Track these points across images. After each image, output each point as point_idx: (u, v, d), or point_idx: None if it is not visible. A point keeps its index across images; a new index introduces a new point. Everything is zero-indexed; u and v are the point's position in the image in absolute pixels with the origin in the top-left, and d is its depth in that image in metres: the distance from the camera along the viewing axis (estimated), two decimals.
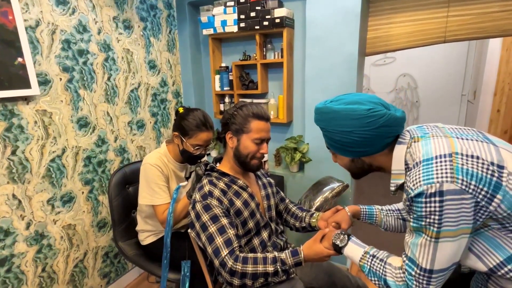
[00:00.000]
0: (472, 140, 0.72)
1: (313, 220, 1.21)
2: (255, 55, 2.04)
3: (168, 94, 2.24)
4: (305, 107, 1.92)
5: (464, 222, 0.65)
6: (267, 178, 1.30)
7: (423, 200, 0.66)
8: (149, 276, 2.07)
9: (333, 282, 1.22)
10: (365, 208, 1.12)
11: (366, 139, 0.78)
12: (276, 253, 0.98)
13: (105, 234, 1.83)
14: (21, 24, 1.31)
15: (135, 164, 1.64)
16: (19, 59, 1.31)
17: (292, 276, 1.13)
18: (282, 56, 1.93)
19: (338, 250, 0.91)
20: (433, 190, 0.65)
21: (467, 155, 0.67)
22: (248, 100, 2.12)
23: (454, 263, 0.70)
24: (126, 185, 1.57)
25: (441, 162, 0.67)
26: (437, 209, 0.65)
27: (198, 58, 2.36)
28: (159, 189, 1.33)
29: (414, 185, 0.69)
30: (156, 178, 1.32)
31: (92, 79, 1.68)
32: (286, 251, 0.98)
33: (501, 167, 0.66)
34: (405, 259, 0.76)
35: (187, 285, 1.30)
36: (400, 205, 1.11)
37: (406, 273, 0.74)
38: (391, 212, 1.10)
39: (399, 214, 1.09)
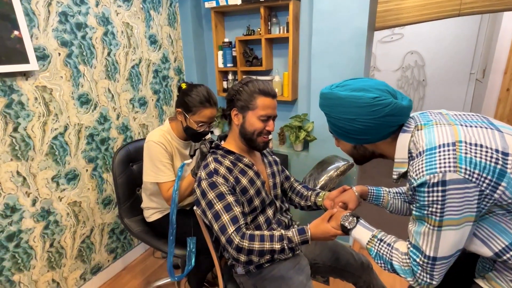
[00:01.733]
0: (476, 127, 0.70)
1: (319, 199, 1.21)
2: (259, 29, 1.96)
3: (169, 71, 2.18)
4: (311, 85, 1.87)
5: (468, 210, 0.65)
6: (273, 156, 1.29)
7: (426, 189, 0.66)
8: (155, 251, 2.12)
9: (337, 259, 1.24)
10: (373, 189, 1.11)
11: (369, 127, 0.77)
12: (283, 231, 0.98)
13: (111, 211, 1.85)
14: None
15: (139, 142, 1.62)
16: (15, 32, 1.26)
17: (297, 252, 1.14)
18: (287, 31, 1.86)
19: (346, 231, 0.91)
20: (435, 180, 0.65)
21: (470, 144, 0.66)
22: (253, 77, 2.06)
23: (458, 250, 0.70)
24: (130, 163, 1.56)
25: (444, 151, 0.66)
26: (440, 198, 0.65)
27: (200, 33, 2.28)
28: (163, 166, 1.32)
29: (417, 175, 0.68)
30: (160, 156, 1.31)
31: (91, 54, 1.63)
32: (293, 229, 0.98)
33: (505, 154, 0.65)
34: (409, 246, 0.76)
35: (193, 260, 1.32)
36: (406, 189, 1.10)
37: (411, 259, 0.75)
38: (398, 195, 1.09)
39: (406, 197, 1.08)
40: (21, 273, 1.45)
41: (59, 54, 1.48)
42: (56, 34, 1.45)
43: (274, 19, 1.91)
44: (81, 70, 1.59)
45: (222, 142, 1.20)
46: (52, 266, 1.59)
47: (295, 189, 1.32)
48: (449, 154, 0.66)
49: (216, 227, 0.99)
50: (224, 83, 2.24)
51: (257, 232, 0.98)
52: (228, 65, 2.13)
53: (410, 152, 0.76)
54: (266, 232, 0.98)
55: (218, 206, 0.99)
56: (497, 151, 0.65)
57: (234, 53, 2.08)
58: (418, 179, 0.68)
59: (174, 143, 1.39)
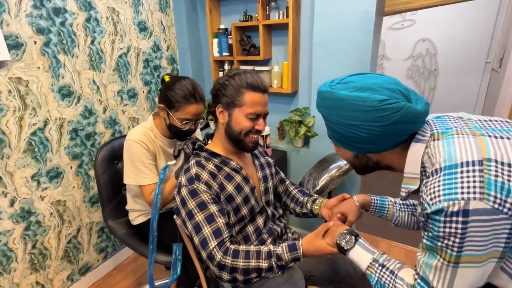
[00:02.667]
0: (509, 138, 0.57)
1: (316, 207, 1.08)
2: (257, 15, 1.80)
3: (162, 60, 2.05)
4: (312, 76, 1.72)
5: (494, 246, 0.53)
6: (266, 158, 1.16)
7: (442, 219, 0.54)
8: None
9: (335, 270, 1.12)
10: (377, 200, 0.97)
11: (374, 136, 0.63)
12: (271, 247, 0.86)
13: (99, 210, 1.76)
14: None
15: (124, 137, 1.50)
16: None
17: (290, 265, 1.03)
18: (287, 16, 1.69)
19: (343, 251, 0.78)
20: (455, 209, 0.52)
21: (502, 163, 0.53)
22: (250, 68, 1.92)
23: None
24: (114, 161, 1.45)
25: (468, 172, 0.53)
26: (459, 231, 0.53)
27: (195, 19, 2.12)
28: (144, 167, 1.20)
29: (431, 199, 0.56)
30: (141, 156, 1.19)
31: (72, 42, 1.50)
32: (283, 244, 0.86)
33: None
34: (416, 277, 0.64)
35: (178, 268, 1.22)
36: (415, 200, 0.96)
37: None
38: (405, 206, 0.95)
39: (414, 210, 0.94)
40: (0, 276, 1.38)
41: (35, 42, 1.35)
42: (31, 20, 1.32)
43: (273, 3, 1.74)
44: (61, 60, 1.46)
45: (209, 142, 1.08)
46: (36, 268, 1.51)
47: (290, 193, 1.19)
48: (474, 177, 0.52)
49: (196, 240, 0.87)
50: (220, 73, 2.09)
51: (242, 247, 0.86)
52: (224, 54, 1.98)
53: (423, 167, 0.63)
54: (252, 248, 0.86)
55: (199, 217, 0.88)
56: None
57: (230, 41, 1.93)
58: (432, 204, 0.55)
59: (158, 141, 1.27)
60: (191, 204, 0.89)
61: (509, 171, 0.52)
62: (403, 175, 0.68)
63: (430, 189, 0.57)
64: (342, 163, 1.59)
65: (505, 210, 0.50)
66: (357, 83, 0.65)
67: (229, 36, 1.92)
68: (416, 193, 0.68)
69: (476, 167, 0.53)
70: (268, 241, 1.02)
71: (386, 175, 3.04)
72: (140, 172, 1.20)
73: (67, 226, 1.61)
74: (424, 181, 0.60)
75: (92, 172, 1.69)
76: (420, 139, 0.64)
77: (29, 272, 1.48)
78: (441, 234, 0.55)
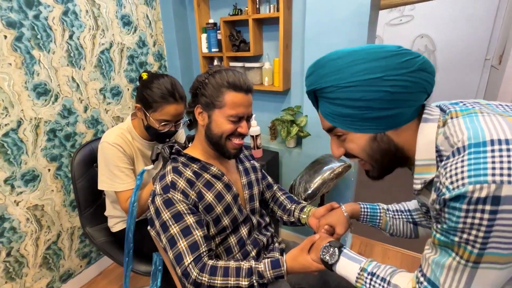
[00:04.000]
0: None
1: (304, 216, 1.00)
2: (247, 8, 1.70)
3: (148, 56, 1.95)
4: (305, 73, 1.63)
5: None
6: (251, 162, 1.07)
7: (464, 207, 0.45)
8: None
9: (326, 282, 1.04)
10: (367, 208, 0.89)
11: (402, 88, 0.52)
12: (253, 263, 0.78)
13: None
14: None
15: None
16: None
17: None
18: (278, 10, 1.60)
19: (329, 267, 0.71)
20: (483, 194, 0.43)
21: None
22: (240, 64, 1.83)
23: None
24: (93, 164, 1.36)
25: (500, 151, 0.44)
26: (485, 222, 0.44)
27: (183, 13, 2.02)
28: (120, 172, 1.12)
29: (453, 182, 0.46)
30: (116, 160, 1.11)
31: (48, 37, 1.40)
32: (266, 260, 0.78)
33: None
34: (422, 279, 0.55)
35: (159, 280, 1.14)
36: (411, 205, 0.88)
37: None
38: (399, 213, 0.87)
39: (410, 216, 0.86)
40: None
41: (5, 37, 1.26)
42: (0, 13, 1.23)
43: None
44: (36, 56, 1.37)
45: (190, 144, 0.99)
46: (11, 277, 1.42)
47: (278, 199, 1.11)
48: (509, 156, 0.43)
49: (171, 255, 0.79)
50: None
51: (220, 263, 0.79)
52: (213, 50, 1.89)
53: (438, 150, 0.54)
54: (232, 264, 0.79)
55: (174, 229, 0.80)
56: None
57: (219, 36, 1.83)
58: (454, 189, 0.46)
59: (136, 144, 1.19)
60: (166, 215, 0.81)
61: None
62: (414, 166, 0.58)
63: (451, 170, 0.47)
64: (335, 165, 1.51)
65: None
66: (353, 47, 0.57)
67: (218, 31, 1.83)
68: (430, 184, 0.58)
69: (511, 146, 0.44)
70: (253, 252, 0.94)
71: (384, 184, 2.98)
72: (115, 177, 1.11)
73: (45, 232, 1.53)
74: (443, 163, 0.50)
75: None
76: (428, 119, 0.56)
77: (4, 281, 1.40)
78: (460, 226, 0.46)
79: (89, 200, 1.34)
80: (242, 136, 0.90)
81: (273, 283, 0.89)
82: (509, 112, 0.53)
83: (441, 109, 0.58)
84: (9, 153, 1.33)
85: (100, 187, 1.16)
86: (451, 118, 0.53)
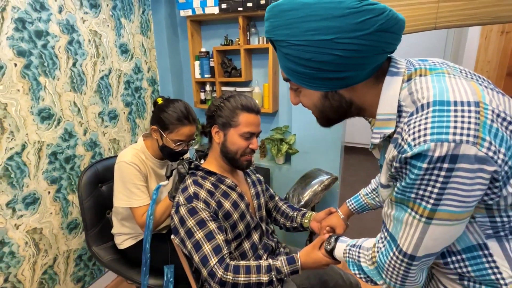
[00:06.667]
0: (498, 92, 0.51)
1: (305, 221, 1.14)
2: (238, 39, 1.89)
3: (143, 81, 2.06)
4: None
5: (472, 203, 0.47)
6: (256, 175, 1.21)
7: (425, 165, 0.45)
8: None
9: (325, 281, 1.17)
10: (353, 203, 1.05)
11: (354, 53, 0.49)
12: (270, 261, 0.90)
13: (77, 236, 1.68)
14: None
15: (108, 160, 1.48)
16: None
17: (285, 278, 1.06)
18: (267, 41, 1.81)
19: (333, 256, 0.83)
20: (442, 152, 0.44)
21: (498, 114, 0.47)
22: (231, 89, 1.99)
23: (444, 248, 0.53)
24: (98, 184, 1.42)
25: (463, 111, 0.45)
26: (440, 179, 0.45)
27: (175, 42, 2.17)
28: (137, 189, 1.19)
29: (415, 139, 0.46)
30: (133, 178, 1.19)
31: (54, 64, 1.48)
32: (282, 258, 0.90)
33: None
34: (386, 234, 0.58)
35: None
36: (374, 182, 1.00)
37: (379, 252, 0.59)
38: (375, 192, 1.01)
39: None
40: None
41: (15, 64, 1.32)
42: (12, 42, 1.30)
43: (253, 29, 1.85)
44: (42, 82, 1.43)
45: (202, 161, 1.11)
46: None
47: (280, 208, 1.24)
48: (469, 117, 0.44)
49: (196, 258, 0.89)
50: (202, 94, 2.14)
51: (242, 263, 0.89)
52: (206, 75, 2.04)
53: (400, 106, 0.53)
54: (252, 263, 0.89)
55: (199, 235, 0.90)
56: None
57: (211, 64, 2.00)
58: (415, 145, 0.46)
59: (149, 162, 1.28)
60: (191, 222, 0.91)
61: (502, 122, 0.47)
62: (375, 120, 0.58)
63: (414, 127, 0.47)
64: (324, 178, 1.68)
65: (499, 161, 0.44)
66: None
67: (210, 59, 1.99)
68: (386, 142, 0.59)
69: (472, 108, 0.45)
70: (264, 256, 1.05)
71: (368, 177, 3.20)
72: (132, 194, 1.19)
73: (43, 256, 1.52)
74: (406, 120, 0.50)
75: (71, 197, 1.62)
76: (395, 72, 0.55)
77: None
78: (417, 182, 0.47)
79: (95, 220, 1.38)
80: (253, 152, 1.03)
81: (286, 282, 1.01)
82: (472, 77, 0.54)
83: (408, 63, 0.57)
84: (12, 176, 1.35)
85: (116, 204, 1.22)
86: (420, 75, 0.53)
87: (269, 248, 1.09)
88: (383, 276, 0.59)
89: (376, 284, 0.63)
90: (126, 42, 1.88)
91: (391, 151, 0.52)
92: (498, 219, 0.51)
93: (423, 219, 0.49)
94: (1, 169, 1.31)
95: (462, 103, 0.45)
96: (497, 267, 0.53)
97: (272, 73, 1.83)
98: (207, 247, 0.88)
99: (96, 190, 1.40)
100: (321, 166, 1.80)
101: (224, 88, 2.02)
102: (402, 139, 0.49)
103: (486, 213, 0.51)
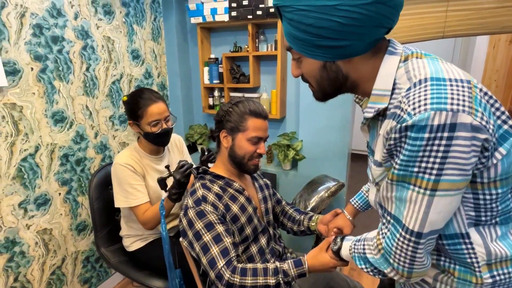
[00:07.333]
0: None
1: (312, 224, 1.14)
2: (246, 46, 1.93)
3: (153, 86, 2.10)
4: (300, 103, 1.84)
5: (470, 170, 0.50)
6: (263, 179, 1.22)
7: (427, 135, 0.48)
8: None
9: (331, 287, 1.17)
10: (357, 202, 1.06)
11: (354, 21, 0.52)
12: (277, 263, 0.90)
13: (85, 238, 1.70)
14: None
15: None
16: None
17: (292, 283, 1.06)
18: (275, 49, 1.84)
19: (340, 257, 0.83)
20: (442, 121, 0.47)
21: (485, 92, 0.53)
22: (239, 95, 2.02)
23: (445, 222, 0.55)
24: (108, 186, 1.44)
25: (457, 86, 0.49)
26: (442, 148, 0.47)
27: (185, 49, 2.22)
28: (133, 189, 1.23)
29: (415, 108, 0.49)
30: (128, 178, 1.23)
31: (68, 69, 1.52)
32: (289, 261, 0.91)
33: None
34: (388, 218, 0.59)
35: None
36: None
37: (385, 236, 0.59)
38: None
39: None
40: None
41: (32, 69, 1.37)
42: (29, 47, 1.35)
43: (262, 36, 1.88)
44: (56, 86, 1.48)
45: (210, 166, 1.13)
46: None
47: (287, 213, 1.25)
48: (463, 91, 0.49)
49: (204, 260, 0.90)
50: (210, 99, 2.17)
51: (249, 265, 0.90)
52: (214, 81, 2.07)
53: (395, 84, 0.57)
54: (259, 265, 0.90)
55: (207, 237, 0.91)
56: (503, 111, 0.52)
57: (220, 70, 2.03)
58: (415, 114, 0.48)
59: (145, 160, 1.32)
60: (199, 225, 0.92)
61: (488, 99, 0.52)
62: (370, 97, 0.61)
63: (414, 98, 0.50)
64: (330, 185, 1.68)
65: (490, 131, 0.49)
66: None
67: (219, 65, 2.03)
68: (376, 120, 0.62)
69: (465, 84, 0.50)
70: (271, 261, 1.06)
71: None
72: (128, 194, 1.23)
73: (51, 256, 1.54)
74: (404, 93, 0.53)
75: (80, 199, 1.65)
76: (393, 52, 0.59)
77: None
78: (420, 154, 0.49)
79: (104, 221, 1.40)
80: (260, 156, 1.05)
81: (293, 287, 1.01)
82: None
83: (405, 47, 0.61)
84: (25, 177, 1.39)
85: (116, 205, 1.26)
86: (416, 58, 0.57)
87: (276, 253, 1.09)
88: (391, 261, 0.59)
89: (384, 275, 0.63)
90: (137, 48, 1.93)
91: (389, 123, 0.54)
92: (481, 197, 0.55)
93: (428, 192, 0.51)
94: (15, 170, 1.35)
95: (456, 80, 0.50)
96: (474, 253, 0.57)
97: (280, 80, 1.85)
98: (215, 250, 0.89)
99: (106, 192, 1.43)
100: (328, 172, 1.80)
101: (232, 94, 2.04)
102: (402, 110, 0.51)
103: (471, 189, 0.55)
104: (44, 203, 1.48)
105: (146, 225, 1.25)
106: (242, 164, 1.02)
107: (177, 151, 1.50)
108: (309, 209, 1.61)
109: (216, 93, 2.13)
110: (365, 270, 0.67)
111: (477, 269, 0.58)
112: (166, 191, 1.19)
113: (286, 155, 1.89)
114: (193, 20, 1.95)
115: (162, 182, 1.16)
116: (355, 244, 0.72)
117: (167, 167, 1.20)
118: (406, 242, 0.55)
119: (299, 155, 1.88)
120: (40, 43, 1.39)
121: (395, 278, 0.61)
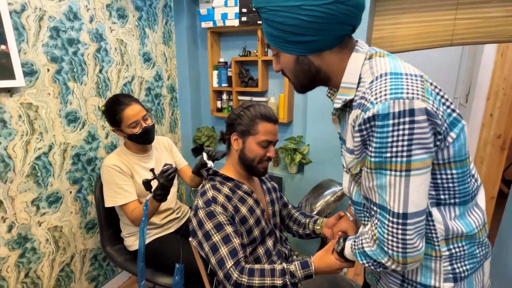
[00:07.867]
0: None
1: (318, 227, 1.16)
2: (255, 51, 1.96)
3: (162, 88, 2.14)
4: (307, 107, 1.86)
5: (433, 148, 0.57)
6: (271, 183, 1.24)
7: (391, 122, 0.54)
8: None
9: None
10: None
11: (318, 18, 0.60)
12: (284, 265, 0.92)
13: (94, 236, 1.73)
14: (4, 8, 1.19)
15: None
16: (2, 47, 1.19)
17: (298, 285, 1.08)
18: None
19: (344, 257, 0.84)
20: (401, 108, 0.54)
21: (435, 86, 0.61)
22: (247, 98, 2.04)
23: (426, 201, 0.60)
24: None
25: (412, 79, 0.57)
26: (407, 132, 0.54)
27: (195, 52, 2.26)
28: (119, 188, 1.29)
29: (377, 98, 0.56)
30: (115, 178, 1.29)
31: (82, 70, 1.56)
32: (296, 262, 0.92)
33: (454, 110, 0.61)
34: (375, 208, 0.63)
35: None
36: None
37: (377, 226, 0.63)
38: None
39: None
40: None
41: (48, 70, 1.41)
42: (46, 49, 1.39)
43: None
44: (71, 87, 1.52)
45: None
46: None
47: (293, 216, 1.27)
48: (417, 83, 0.57)
49: (213, 260, 0.92)
50: (218, 102, 2.20)
51: (257, 266, 0.92)
52: (223, 85, 2.10)
53: (360, 78, 0.65)
54: (266, 266, 0.92)
55: (216, 238, 0.93)
56: (451, 102, 0.61)
57: (229, 73, 2.06)
58: (377, 103, 0.56)
59: (132, 160, 1.38)
60: (208, 225, 0.94)
61: (438, 92, 0.60)
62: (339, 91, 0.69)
63: (376, 89, 0.58)
64: (337, 189, 1.70)
65: (440, 117, 0.56)
66: None
67: (228, 69, 2.06)
68: (344, 111, 0.70)
69: (419, 78, 0.58)
70: (278, 263, 1.07)
71: None
72: (115, 194, 1.28)
73: (61, 253, 1.57)
74: (368, 85, 0.61)
75: (90, 197, 1.68)
76: (359, 50, 0.67)
77: None
78: (389, 140, 0.55)
79: (110, 221, 1.44)
80: (269, 159, 1.07)
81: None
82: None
83: (372, 48, 0.69)
84: (38, 175, 1.43)
85: (106, 205, 1.31)
86: (379, 56, 0.65)
87: (283, 255, 1.11)
88: (386, 249, 0.61)
89: (385, 267, 0.65)
90: (149, 51, 1.97)
91: (355, 113, 0.62)
92: (438, 177, 0.62)
93: (403, 173, 0.56)
94: (29, 168, 1.38)
95: (411, 75, 0.59)
96: (435, 230, 0.65)
97: (288, 84, 1.88)
98: (223, 250, 0.91)
99: None
100: (334, 177, 1.81)
101: (240, 98, 2.07)
102: (366, 99, 0.59)
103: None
104: (55, 201, 1.51)
105: (135, 223, 1.30)
106: (252, 167, 1.04)
107: (166, 151, 1.57)
108: (315, 213, 1.62)
109: (224, 96, 2.16)
110: (366, 265, 0.70)
111: (436, 243, 0.65)
112: (151, 192, 1.22)
113: (293, 159, 1.91)
114: (204, 25, 1.99)
115: (147, 184, 1.20)
116: (354, 241, 0.75)
117: (152, 170, 1.22)
118: (395, 226, 0.59)
119: (305, 159, 1.90)
120: (57, 45, 1.43)
121: (393, 267, 0.63)
